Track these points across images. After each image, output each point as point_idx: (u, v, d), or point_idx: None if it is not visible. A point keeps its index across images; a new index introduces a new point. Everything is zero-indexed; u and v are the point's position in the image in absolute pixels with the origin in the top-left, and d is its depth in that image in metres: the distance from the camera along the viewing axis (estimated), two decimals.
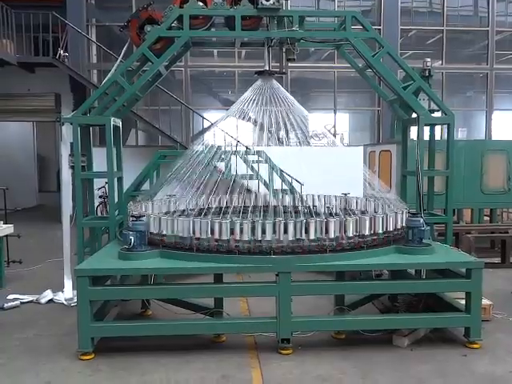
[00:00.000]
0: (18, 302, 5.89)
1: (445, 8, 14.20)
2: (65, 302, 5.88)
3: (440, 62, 14.16)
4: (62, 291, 6.06)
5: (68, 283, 6.05)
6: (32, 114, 14.10)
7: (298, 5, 13.28)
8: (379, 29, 13.54)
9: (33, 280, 7.03)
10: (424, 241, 4.71)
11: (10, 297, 6.06)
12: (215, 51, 14.03)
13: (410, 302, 5.23)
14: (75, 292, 5.22)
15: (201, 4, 5.40)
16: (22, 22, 12.04)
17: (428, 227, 4.82)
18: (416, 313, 4.89)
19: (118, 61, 5.89)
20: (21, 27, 12.14)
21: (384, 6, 13.85)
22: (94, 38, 13.42)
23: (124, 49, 5.86)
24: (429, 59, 6.54)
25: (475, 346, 4.49)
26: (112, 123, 5.50)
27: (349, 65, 6.31)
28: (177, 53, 6.00)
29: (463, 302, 4.62)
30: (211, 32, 5.67)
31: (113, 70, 5.73)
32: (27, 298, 6.03)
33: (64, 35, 12.16)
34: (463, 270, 4.59)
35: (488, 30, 14.27)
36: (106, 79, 5.67)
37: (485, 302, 5.02)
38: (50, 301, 5.98)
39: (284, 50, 5.67)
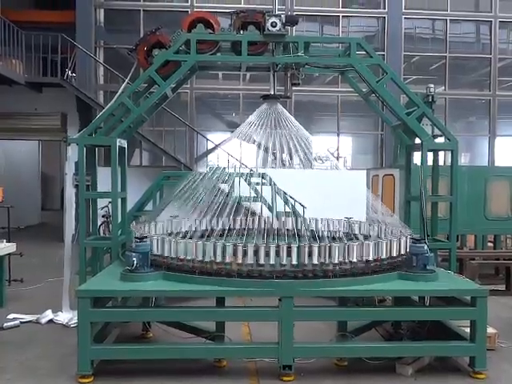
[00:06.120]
0: (17, 322, 5.84)
1: (447, 35, 14.42)
2: (64, 323, 5.83)
3: (443, 87, 14.31)
4: (62, 311, 6.02)
5: (66, 304, 6.02)
6: (38, 133, 14.26)
7: (302, 29, 13.53)
8: (383, 54, 13.74)
9: (33, 299, 6.99)
10: (428, 267, 4.68)
11: (10, 316, 6.01)
12: (220, 74, 14.22)
13: (413, 329, 5.16)
14: (75, 312, 5.20)
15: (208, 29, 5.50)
16: (32, 43, 12.25)
17: (432, 253, 4.79)
18: (420, 340, 4.82)
19: (125, 83, 5.97)
20: (30, 48, 12.36)
21: (388, 32, 14.08)
22: (101, 60, 13.63)
23: (131, 71, 5.94)
24: (432, 85, 6.63)
25: (480, 376, 4.40)
26: (117, 144, 5.54)
27: (352, 89, 6.38)
28: (183, 76, 6.08)
29: (467, 329, 4.56)
30: (218, 56, 5.75)
31: (120, 92, 5.81)
32: (27, 317, 5.99)
33: (72, 56, 12.37)
34: (468, 298, 4.55)
35: (490, 57, 14.46)
36: (112, 101, 5.73)
37: (490, 330, 4.94)
38: (50, 321, 5.93)
39: (289, 74, 5.74)
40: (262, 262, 4.35)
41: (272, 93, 5.78)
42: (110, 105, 5.75)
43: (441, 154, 6.43)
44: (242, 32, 5.44)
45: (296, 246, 4.37)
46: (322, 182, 6.92)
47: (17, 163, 16.21)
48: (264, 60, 5.75)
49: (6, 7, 12.58)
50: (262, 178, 7.21)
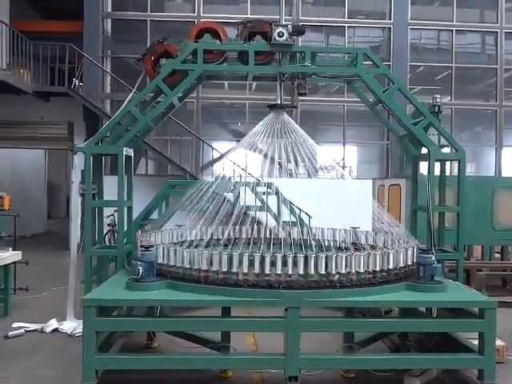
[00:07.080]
0: (22, 331, 5.83)
1: (453, 45, 14.45)
2: (69, 332, 5.81)
3: (449, 97, 14.31)
4: (67, 320, 6.00)
5: (71, 313, 6.00)
6: (45, 142, 14.36)
7: (308, 40, 13.60)
8: (388, 64, 13.76)
9: (38, 308, 6.98)
10: (435, 278, 4.63)
11: (15, 325, 6.01)
12: (226, 83, 14.29)
13: (421, 341, 5.10)
14: (80, 321, 5.18)
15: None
16: (40, 53, 12.38)
17: (439, 264, 4.74)
18: (427, 352, 4.76)
19: (132, 92, 6.00)
20: (38, 57, 12.49)
21: (393, 43, 14.12)
22: (108, 69, 13.74)
23: (139, 80, 5.97)
24: (438, 96, 6.63)
25: None
26: (124, 153, 5.56)
27: (358, 99, 6.38)
28: (190, 85, 6.11)
29: (475, 341, 4.50)
30: (224, 66, 5.77)
31: (127, 101, 5.84)
32: (32, 326, 5.98)
33: (80, 66, 12.48)
34: (476, 309, 4.49)
35: (496, 68, 14.46)
36: (120, 110, 5.75)
37: (498, 342, 4.88)
38: (55, 330, 5.92)
39: (295, 84, 5.75)
40: (268, 271, 4.32)
41: (278, 102, 5.79)
42: (116, 114, 5.78)
43: (447, 164, 6.40)
44: (248, 42, 5.47)
45: (302, 255, 4.33)
46: (328, 191, 6.91)
47: (23, 172, 16.30)
48: (271, 70, 5.77)
49: (14, 17, 12.76)
50: (268, 187, 7.20)
